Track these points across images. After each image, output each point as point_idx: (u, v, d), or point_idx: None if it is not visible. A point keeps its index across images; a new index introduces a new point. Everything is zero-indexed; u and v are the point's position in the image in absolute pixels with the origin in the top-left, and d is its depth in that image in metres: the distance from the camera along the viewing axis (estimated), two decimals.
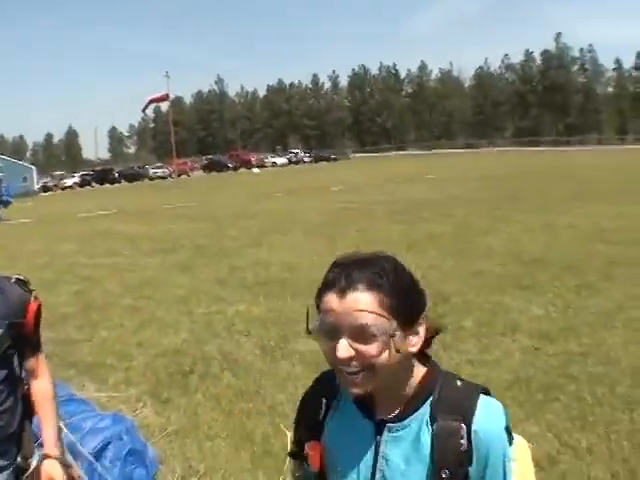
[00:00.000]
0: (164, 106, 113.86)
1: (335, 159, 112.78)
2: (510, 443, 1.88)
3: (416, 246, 16.51)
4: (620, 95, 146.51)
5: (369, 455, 1.98)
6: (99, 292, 13.96)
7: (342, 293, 1.80)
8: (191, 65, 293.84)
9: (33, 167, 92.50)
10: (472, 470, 1.84)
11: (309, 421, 2.14)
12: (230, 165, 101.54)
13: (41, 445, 3.38)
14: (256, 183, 57.87)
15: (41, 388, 3.41)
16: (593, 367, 7.73)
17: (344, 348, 1.78)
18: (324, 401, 2.11)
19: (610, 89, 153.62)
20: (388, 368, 1.82)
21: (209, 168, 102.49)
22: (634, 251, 14.57)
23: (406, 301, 1.84)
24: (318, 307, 1.89)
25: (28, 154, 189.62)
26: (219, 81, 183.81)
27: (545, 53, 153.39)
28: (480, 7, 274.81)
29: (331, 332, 1.82)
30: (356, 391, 1.85)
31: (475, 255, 15.27)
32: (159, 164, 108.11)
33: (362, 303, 1.78)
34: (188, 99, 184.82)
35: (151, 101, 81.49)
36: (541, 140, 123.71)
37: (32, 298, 3.38)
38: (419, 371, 1.97)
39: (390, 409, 1.96)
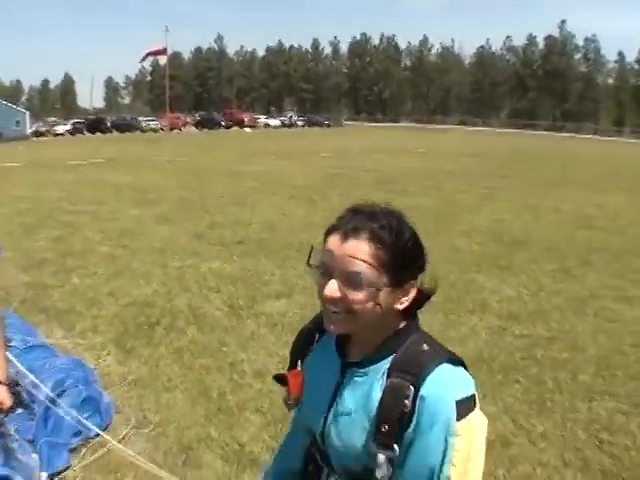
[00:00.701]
0: (162, 60, 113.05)
1: (329, 125, 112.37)
2: (459, 418, 1.83)
3: None
4: (620, 87, 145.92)
5: (330, 390, 2.09)
6: (78, 239, 13.89)
7: (344, 237, 1.89)
8: (192, 21, 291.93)
9: (26, 112, 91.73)
10: (409, 433, 1.85)
11: (300, 352, 2.28)
12: (223, 123, 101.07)
13: None
14: (247, 143, 57.58)
15: None
16: (558, 353, 7.72)
17: (332, 288, 1.88)
18: (317, 336, 2.24)
19: (611, 80, 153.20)
20: (369, 317, 1.89)
21: (201, 124, 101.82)
22: (615, 240, 14.66)
23: (402, 261, 1.90)
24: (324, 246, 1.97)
25: (23, 98, 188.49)
26: (219, 39, 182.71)
27: (548, 38, 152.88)
28: None
29: (325, 271, 1.92)
30: (333, 329, 1.96)
31: (456, 231, 15.29)
32: (152, 117, 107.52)
33: (359, 252, 1.86)
34: (187, 55, 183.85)
35: (149, 54, 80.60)
36: (536, 124, 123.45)
37: None
38: (397, 326, 2.02)
39: (359, 353, 2.04)
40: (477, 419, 1.88)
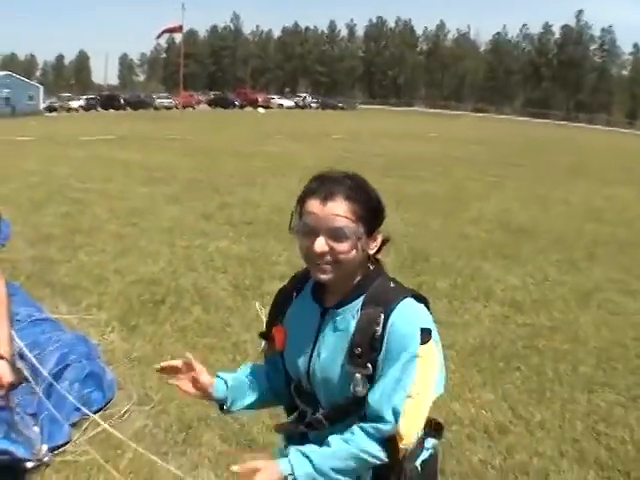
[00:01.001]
0: (178, 37, 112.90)
1: (342, 108, 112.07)
2: (422, 342, 2.24)
3: (406, 202, 16.45)
4: (635, 79, 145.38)
5: (312, 332, 2.45)
6: (87, 216, 13.94)
7: (324, 200, 2.25)
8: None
9: (40, 86, 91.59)
10: (381, 357, 2.25)
11: (280, 310, 2.59)
12: (236, 103, 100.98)
13: None
14: (259, 123, 57.48)
15: None
16: (560, 343, 7.74)
17: (321, 244, 2.24)
18: (294, 294, 2.58)
19: (625, 72, 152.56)
20: (351, 263, 2.30)
21: (215, 103, 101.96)
22: (621, 232, 14.68)
23: (372, 213, 2.32)
24: (300, 211, 2.33)
25: (38, 73, 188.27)
26: (235, 18, 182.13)
27: (565, 28, 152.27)
28: None
29: (311, 231, 2.27)
30: (324, 277, 2.32)
31: (464, 218, 15.30)
32: (165, 94, 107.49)
33: (340, 210, 2.24)
34: (203, 33, 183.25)
35: (165, 31, 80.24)
36: (549, 113, 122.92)
37: None
38: (366, 269, 2.42)
39: (336, 299, 2.42)
40: (433, 347, 2.28)
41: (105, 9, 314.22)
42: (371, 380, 2.27)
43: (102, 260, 10.54)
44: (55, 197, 16.05)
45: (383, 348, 2.24)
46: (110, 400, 5.73)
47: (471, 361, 6.96)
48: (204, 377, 2.58)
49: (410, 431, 2.24)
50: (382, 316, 2.24)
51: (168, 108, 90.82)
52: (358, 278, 2.39)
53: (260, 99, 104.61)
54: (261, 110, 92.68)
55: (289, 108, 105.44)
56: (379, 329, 2.23)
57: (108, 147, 29.58)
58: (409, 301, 2.30)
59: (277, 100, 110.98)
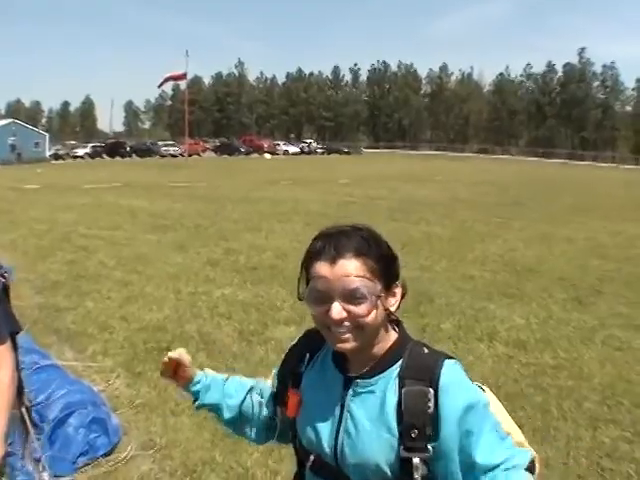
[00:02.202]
0: (183, 84, 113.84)
1: (347, 152, 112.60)
2: (483, 390, 2.18)
3: (411, 245, 16.49)
4: (639, 114, 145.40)
5: (336, 408, 2.15)
6: (92, 263, 14.03)
7: (332, 261, 1.99)
8: (212, 46, 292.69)
9: (46, 134, 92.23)
10: (447, 432, 1.97)
11: (291, 372, 2.33)
12: (242, 149, 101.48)
13: None
14: (265, 169, 57.88)
15: None
16: (564, 381, 7.73)
17: (338, 310, 1.97)
18: (307, 356, 2.31)
19: (629, 108, 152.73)
20: (374, 326, 2.04)
21: (221, 150, 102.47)
22: (627, 269, 14.65)
23: (387, 265, 2.07)
24: (307, 274, 2.07)
25: (43, 121, 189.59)
26: (239, 64, 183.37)
27: (567, 66, 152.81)
28: (507, 14, 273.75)
29: (323, 297, 2.01)
30: (345, 347, 2.04)
31: (469, 259, 15.31)
32: (171, 142, 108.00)
33: (352, 269, 1.98)
34: (207, 80, 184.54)
35: (168, 78, 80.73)
36: (554, 152, 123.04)
37: None
38: (391, 335, 2.16)
39: (360, 367, 2.13)
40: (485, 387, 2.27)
41: (109, 56, 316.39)
42: (427, 462, 2.01)
43: (108, 307, 10.60)
44: (61, 244, 16.22)
45: (442, 424, 1.98)
46: (115, 445, 5.75)
47: None
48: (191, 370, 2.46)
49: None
50: (431, 391, 1.98)
51: (174, 156, 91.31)
52: (382, 343, 2.13)
53: (266, 145, 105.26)
54: (267, 156, 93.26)
55: (295, 154, 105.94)
56: (431, 405, 1.97)
57: (114, 195, 29.88)
58: (447, 364, 2.04)
59: (282, 146, 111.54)
